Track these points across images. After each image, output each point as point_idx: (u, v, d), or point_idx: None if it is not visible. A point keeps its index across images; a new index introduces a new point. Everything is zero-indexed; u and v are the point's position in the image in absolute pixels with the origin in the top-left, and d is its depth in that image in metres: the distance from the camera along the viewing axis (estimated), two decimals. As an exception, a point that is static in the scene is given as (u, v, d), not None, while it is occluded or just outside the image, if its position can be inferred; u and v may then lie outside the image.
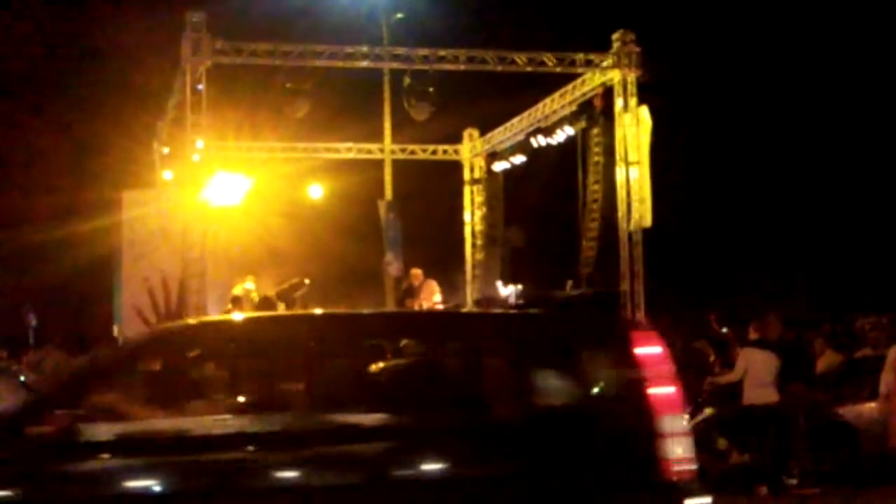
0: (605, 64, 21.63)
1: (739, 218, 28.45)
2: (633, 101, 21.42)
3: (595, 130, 23.07)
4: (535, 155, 24.87)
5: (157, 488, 6.38)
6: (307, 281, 22.31)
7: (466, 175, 28.94)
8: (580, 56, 21.78)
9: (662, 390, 6.95)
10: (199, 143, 20.23)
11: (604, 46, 21.67)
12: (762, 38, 28.33)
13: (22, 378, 14.61)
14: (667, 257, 23.67)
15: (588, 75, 22.21)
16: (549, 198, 26.16)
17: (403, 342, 7.73)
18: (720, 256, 28.11)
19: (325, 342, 7.17)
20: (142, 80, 26.10)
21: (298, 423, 6.59)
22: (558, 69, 21.97)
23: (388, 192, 27.97)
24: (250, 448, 6.47)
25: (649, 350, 6.97)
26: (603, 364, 7.15)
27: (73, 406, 6.67)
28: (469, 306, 24.84)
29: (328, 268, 25.27)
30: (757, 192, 28.92)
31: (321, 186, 27.22)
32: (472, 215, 28.92)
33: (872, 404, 13.32)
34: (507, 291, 23.54)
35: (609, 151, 22.38)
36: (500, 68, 21.61)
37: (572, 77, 22.68)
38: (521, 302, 19.38)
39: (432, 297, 22.84)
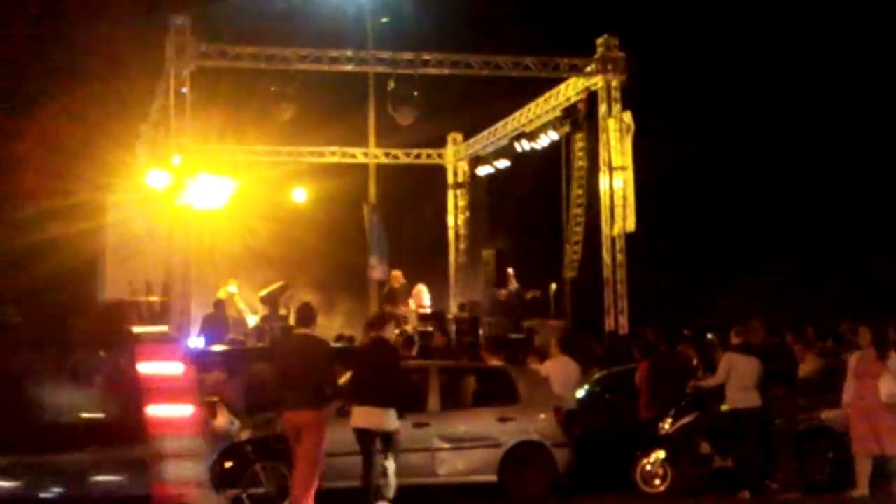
0: (588, 69, 21.71)
1: (723, 222, 28.51)
2: (616, 106, 21.51)
3: (579, 135, 23.14)
4: (518, 159, 24.93)
5: None
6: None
7: (450, 179, 28.99)
8: (564, 61, 21.87)
9: (168, 409, 6.38)
10: (183, 147, 20.22)
11: (588, 52, 21.74)
12: (746, 42, 28.41)
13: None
14: (650, 261, 23.73)
15: (572, 80, 22.29)
16: (532, 202, 26.17)
17: None
18: (703, 261, 28.16)
19: None
20: (125, 84, 25.99)
21: None
22: (542, 74, 22.05)
23: (372, 196, 27.93)
24: None
25: (159, 365, 6.44)
26: (100, 376, 6.67)
27: None
28: (453, 310, 24.88)
29: (312, 271, 25.21)
30: (741, 196, 28.99)
31: (305, 190, 27.19)
32: (456, 219, 28.97)
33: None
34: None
35: (593, 156, 22.44)
36: (484, 72, 21.68)
37: (556, 82, 22.75)
38: None
39: (421, 301, 22.88)
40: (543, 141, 23.61)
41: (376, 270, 25.32)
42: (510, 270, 23.06)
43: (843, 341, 16.03)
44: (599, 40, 21.56)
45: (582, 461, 13.33)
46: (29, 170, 27.40)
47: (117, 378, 6.53)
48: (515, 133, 24.79)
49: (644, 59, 22.42)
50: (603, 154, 21.69)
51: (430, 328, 21.34)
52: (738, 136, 28.82)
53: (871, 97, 28.12)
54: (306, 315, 11.53)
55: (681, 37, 28.10)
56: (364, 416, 11.67)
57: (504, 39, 23.68)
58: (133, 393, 6.34)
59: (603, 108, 21.66)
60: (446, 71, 21.61)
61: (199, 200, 21.75)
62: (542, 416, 13.46)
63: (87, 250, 24.17)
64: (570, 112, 22.85)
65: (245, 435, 12.20)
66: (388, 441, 11.73)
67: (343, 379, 12.20)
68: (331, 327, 22.01)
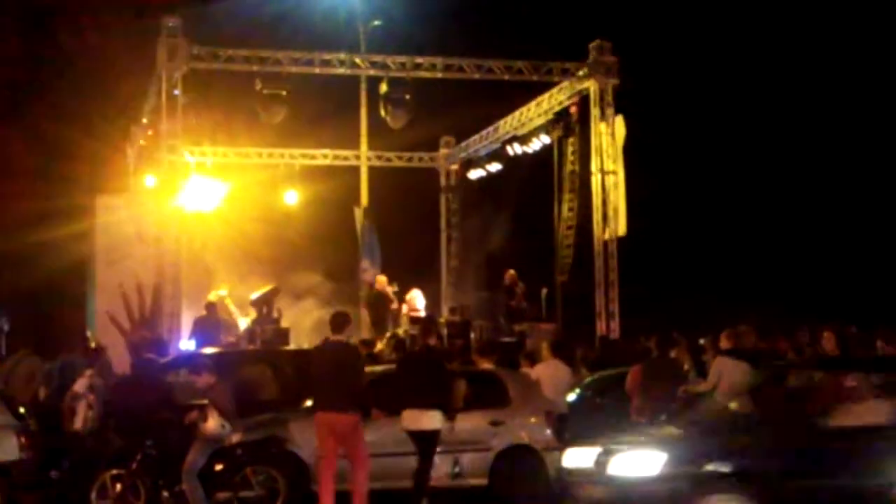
0: (581, 73, 21.73)
1: (715, 227, 28.54)
2: (608, 111, 21.53)
3: (571, 139, 23.13)
4: (510, 163, 24.92)
5: None
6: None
7: (442, 182, 28.98)
8: (556, 65, 21.88)
9: None
10: (175, 149, 20.18)
11: (580, 56, 21.75)
12: (738, 48, 28.47)
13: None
14: (642, 265, 23.73)
15: (564, 84, 22.30)
16: (524, 206, 26.18)
17: None
18: (695, 265, 28.19)
19: None
20: (117, 86, 25.97)
21: None
22: (535, 78, 22.06)
23: (364, 199, 27.95)
24: None
25: None
26: None
27: None
28: (445, 313, 24.84)
29: (304, 274, 25.16)
30: (732, 200, 29.03)
31: (297, 192, 27.15)
32: (448, 223, 28.95)
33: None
34: None
35: (584, 160, 22.45)
36: (476, 76, 21.69)
37: (549, 86, 22.75)
38: None
39: (415, 306, 22.85)
40: (535, 145, 23.61)
41: (368, 273, 25.32)
42: (511, 272, 22.97)
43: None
44: (592, 45, 21.57)
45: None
46: (19, 172, 27.34)
47: None
48: (507, 137, 24.78)
49: (636, 64, 22.45)
50: (594, 158, 21.70)
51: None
52: (729, 140, 28.87)
53: (864, 95, 28.19)
54: (340, 323, 12.07)
55: (673, 42, 28.15)
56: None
57: (497, 43, 23.71)
58: None
59: (595, 112, 21.67)
60: (439, 74, 21.61)
61: (191, 203, 21.72)
62: (533, 419, 13.45)
63: (77, 253, 24.13)
64: (562, 116, 22.85)
65: (236, 438, 12.16)
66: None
67: None
68: (323, 331, 21.96)
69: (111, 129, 26.61)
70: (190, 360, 14.72)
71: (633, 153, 21.75)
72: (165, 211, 20.04)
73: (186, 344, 19.51)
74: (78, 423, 13.01)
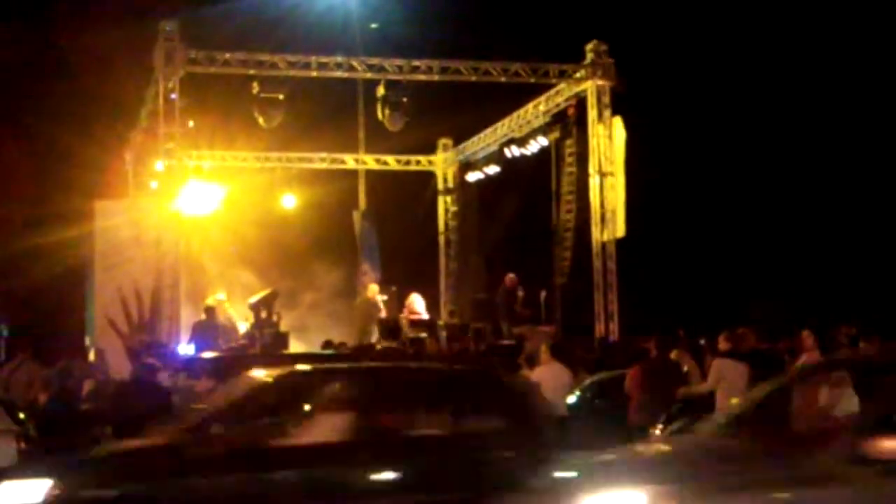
0: (578, 75, 21.74)
1: (714, 227, 28.54)
2: (606, 112, 21.54)
3: (569, 141, 23.13)
4: (508, 165, 24.92)
5: None
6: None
7: (440, 185, 28.97)
8: (554, 67, 21.88)
9: None
10: (172, 153, 20.17)
11: (577, 57, 21.76)
12: (737, 49, 28.47)
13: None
14: (641, 267, 23.73)
15: (562, 86, 22.31)
16: (522, 208, 26.18)
17: None
18: (694, 266, 28.19)
19: None
20: (114, 90, 25.94)
21: None
22: (532, 80, 22.07)
23: (362, 203, 27.96)
24: None
25: None
26: None
27: None
28: (443, 316, 24.85)
29: (302, 278, 25.17)
30: (732, 201, 29.03)
31: (295, 196, 27.14)
32: (446, 225, 28.95)
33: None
34: None
35: (582, 162, 22.45)
36: (474, 78, 21.68)
37: (546, 88, 22.76)
38: None
39: (414, 309, 22.87)
40: (533, 147, 23.62)
41: (367, 276, 25.33)
42: (511, 275, 22.98)
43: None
44: (589, 46, 21.58)
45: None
46: (17, 177, 27.33)
47: None
48: (505, 139, 24.79)
49: (633, 65, 22.45)
50: (592, 160, 21.70)
51: (422, 335, 21.31)
52: (728, 140, 28.87)
53: (862, 98, 28.20)
54: (390, 329, 11.98)
55: (671, 43, 28.14)
56: None
57: (494, 45, 23.69)
58: None
59: (592, 113, 21.68)
60: (436, 77, 21.60)
61: (189, 207, 21.70)
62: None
63: (76, 257, 24.09)
64: (559, 118, 22.86)
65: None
66: None
67: None
68: (321, 334, 21.97)
69: (109, 134, 26.59)
70: (189, 365, 14.72)
71: (631, 155, 21.75)
72: (164, 215, 20.02)
73: (185, 348, 19.50)
74: None
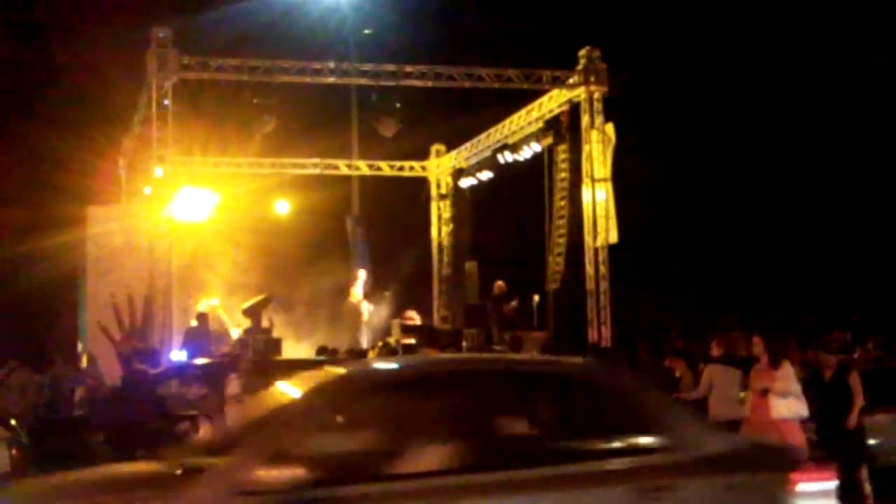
0: (571, 81, 21.74)
1: (708, 233, 28.59)
2: (599, 118, 21.54)
3: (562, 147, 23.13)
4: (502, 171, 24.93)
5: None
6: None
7: (433, 191, 28.97)
8: (547, 73, 21.89)
9: None
10: (165, 159, 20.15)
11: (570, 63, 21.78)
12: (729, 54, 28.54)
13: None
14: (633, 273, 23.75)
15: (555, 92, 22.32)
16: (515, 214, 26.21)
17: None
18: (687, 272, 28.24)
19: None
20: (107, 96, 25.93)
21: None
22: (525, 86, 22.06)
23: (356, 208, 27.96)
24: None
25: None
26: None
27: None
28: (437, 322, 24.87)
29: (295, 284, 25.17)
30: (725, 207, 29.10)
31: (288, 202, 27.14)
32: (440, 231, 28.96)
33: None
34: None
35: (576, 168, 22.46)
36: (467, 84, 21.68)
37: (539, 94, 22.77)
38: None
39: (408, 314, 22.97)
40: (526, 153, 23.63)
41: (360, 282, 25.32)
42: (500, 283, 23.02)
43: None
44: (582, 52, 21.60)
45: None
46: (9, 181, 27.29)
47: None
48: (498, 145, 24.80)
49: (627, 71, 22.48)
50: (585, 166, 21.71)
51: (413, 341, 21.33)
52: (721, 146, 28.94)
53: (852, 103, 28.30)
54: (431, 336, 12.08)
55: (663, 49, 28.21)
56: None
57: (487, 51, 23.72)
58: None
59: (585, 119, 21.69)
60: (429, 83, 21.59)
61: (182, 213, 21.69)
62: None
63: (68, 263, 24.07)
64: (552, 124, 22.86)
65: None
66: None
67: None
68: (314, 340, 21.98)
69: (102, 140, 26.56)
70: (181, 371, 14.72)
71: (625, 161, 21.77)
72: (156, 221, 20.00)
73: (178, 354, 19.48)
74: None
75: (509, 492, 6.65)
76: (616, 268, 21.44)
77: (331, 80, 21.61)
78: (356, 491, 6.52)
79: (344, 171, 28.09)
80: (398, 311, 24.04)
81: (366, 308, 24.31)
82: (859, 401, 12.44)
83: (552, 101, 22.59)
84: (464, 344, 21.56)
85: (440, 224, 28.95)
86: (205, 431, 11.81)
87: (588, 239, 21.55)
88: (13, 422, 13.08)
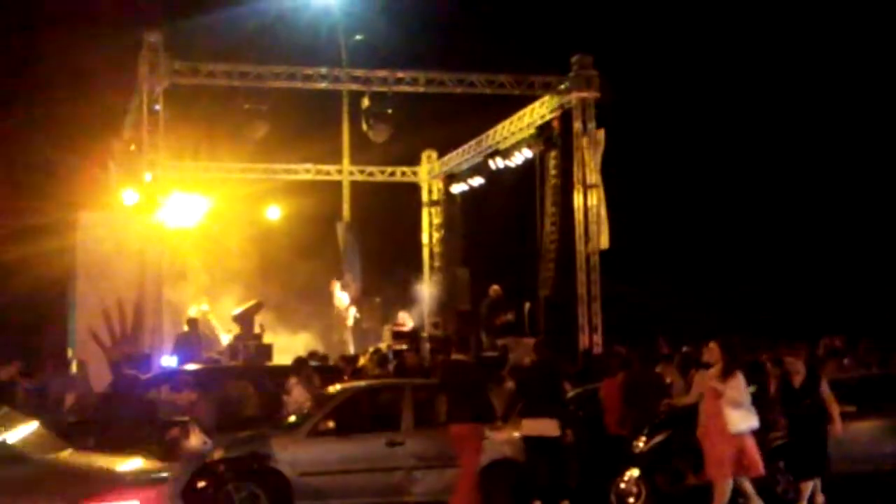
0: (562, 87, 21.77)
1: (698, 240, 28.63)
2: (591, 125, 21.57)
3: (553, 153, 23.16)
4: (493, 177, 24.94)
5: None
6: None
7: (424, 197, 28.98)
8: (538, 79, 21.93)
9: None
10: (156, 164, 20.12)
11: (562, 70, 21.80)
12: (719, 61, 28.61)
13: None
14: (624, 279, 23.76)
15: (546, 98, 22.34)
16: (507, 220, 26.20)
17: None
18: (678, 278, 28.25)
19: None
20: (98, 101, 25.89)
21: None
22: (516, 91, 22.10)
23: (347, 214, 27.92)
24: None
25: None
26: None
27: None
28: (428, 328, 24.84)
29: (286, 289, 25.12)
30: (716, 213, 29.13)
31: (279, 207, 27.13)
32: (430, 237, 28.95)
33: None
34: None
35: (567, 174, 22.48)
36: (458, 90, 21.70)
37: (530, 100, 22.80)
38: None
39: (400, 321, 22.98)
40: (517, 158, 23.64)
41: (350, 288, 25.30)
42: (496, 287, 23.00)
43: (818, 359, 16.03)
44: (573, 58, 21.63)
45: (556, 479, 13.29)
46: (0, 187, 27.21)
47: None
48: (490, 151, 24.81)
49: (617, 77, 22.52)
50: (577, 171, 21.73)
51: (404, 346, 21.32)
52: (712, 152, 28.98)
53: (842, 109, 28.38)
54: (463, 342, 13.50)
55: (654, 55, 28.26)
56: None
57: (478, 57, 23.74)
58: None
59: (577, 125, 21.71)
60: (420, 88, 21.61)
61: (173, 218, 21.65)
62: (517, 434, 13.42)
63: (58, 269, 23.96)
64: (543, 130, 22.89)
65: (218, 455, 12.11)
66: None
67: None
68: (304, 345, 21.94)
69: (93, 145, 26.50)
70: (171, 377, 14.67)
71: (616, 167, 21.79)
72: (147, 227, 19.96)
73: (168, 360, 19.43)
74: None
75: None
76: (607, 273, 21.46)
77: (322, 85, 21.62)
78: None
79: (335, 176, 28.08)
80: (389, 318, 24.02)
81: (351, 314, 24.32)
82: (836, 409, 12.32)
83: (543, 108, 22.61)
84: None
85: (431, 230, 28.95)
86: (195, 437, 11.76)
87: (579, 245, 21.56)
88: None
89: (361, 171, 28.03)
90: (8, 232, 25.66)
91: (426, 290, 28.49)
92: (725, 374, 11.70)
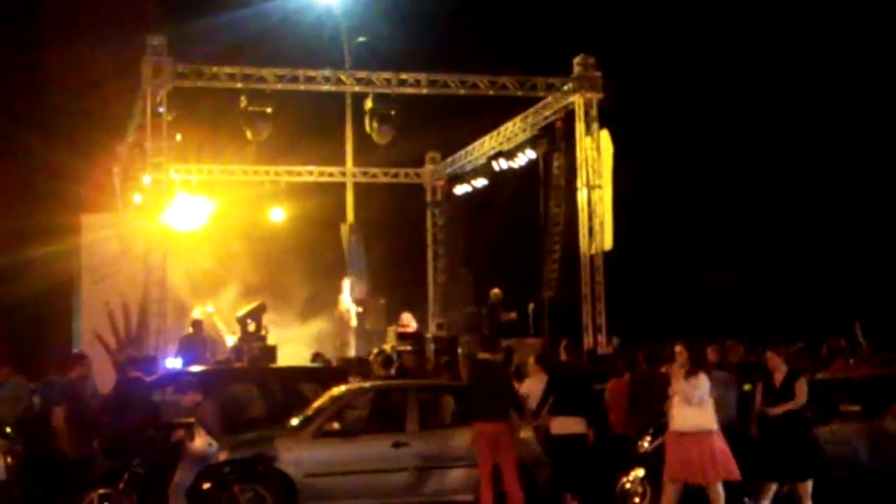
0: (566, 88, 21.77)
1: (702, 240, 28.61)
2: (594, 125, 21.58)
3: (556, 154, 23.16)
4: (496, 178, 24.92)
5: None
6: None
7: (428, 198, 28.97)
8: (541, 80, 21.92)
9: None
10: (160, 167, 20.14)
11: (565, 71, 21.80)
12: (722, 62, 28.60)
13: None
14: (628, 279, 23.76)
15: (549, 99, 22.34)
16: (510, 221, 26.20)
17: None
18: (682, 278, 28.25)
19: None
20: (102, 104, 25.93)
21: None
22: (520, 93, 22.08)
23: (350, 216, 27.94)
24: None
25: None
26: None
27: None
28: (432, 330, 24.85)
29: (290, 291, 25.14)
30: (719, 213, 29.12)
31: (283, 209, 27.13)
32: (434, 238, 28.94)
33: (833, 426, 13.40)
34: None
35: (570, 175, 22.48)
36: (462, 92, 21.69)
37: (534, 101, 22.80)
38: None
39: (405, 322, 22.97)
40: (521, 160, 23.62)
41: (354, 290, 25.32)
42: (496, 290, 23.02)
43: (819, 360, 16.04)
44: (576, 59, 21.62)
45: (561, 480, 13.30)
46: (4, 190, 27.26)
47: None
48: (493, 152, 24.80)
49: (621, 78, 22.51)
50: (580, 173, 21.74)
51: (408, 348, 21.33)
52: (714, 152, 28.96)
53: (842, 111, 28.37)
54: (490, 342, 13.91)
55: (657, 55, 28.24)
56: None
57: (481, 59, 23.74)
58: None
59: (580, 126, 21.72)
60: (424, 90, 21.61)
61: (177, 220, 21.67)
62: (522, 434, 13.43)
63: (63, 271, 24.01)
64: (547, 131, 22.88)
65: (223, 456, 12.12)
66: None
67: None
68: (309, 346, 21.94)
69: (97, 148, 26.54)
70: (176, 379, 14.68)
71: (619, 167, 21.78)
72: (151, 229, 19.98)
73: (173, 362, 19.44)
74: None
75: None
76: (611, 274, 21.46)
77: (326, 87, 21.62)
78: None
79: (339, 178, 28.09)
80: (393, 319, 24.02)
81: (354, 315, 24.33)
82: (798, 401, 12.23)
83: (547, 109, 22.61)
84: (459, 351, 21.57)
85: (435, 231, 28.94)
86: (200, 439, 11.77)
87: (583, 245, 21.56)
88: (8, 430, 13.05)
89: (365, 173, 28.04)
90: (13, 234, 25.72)
91: (430, 291, 28.52)
92: (689, 375, 11.85)
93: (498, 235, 26.57)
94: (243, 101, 21.18)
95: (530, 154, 23.38)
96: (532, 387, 14.59)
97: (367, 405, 13.81)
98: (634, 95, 25.47)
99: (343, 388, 14.21)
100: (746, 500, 12.79)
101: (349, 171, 27.86)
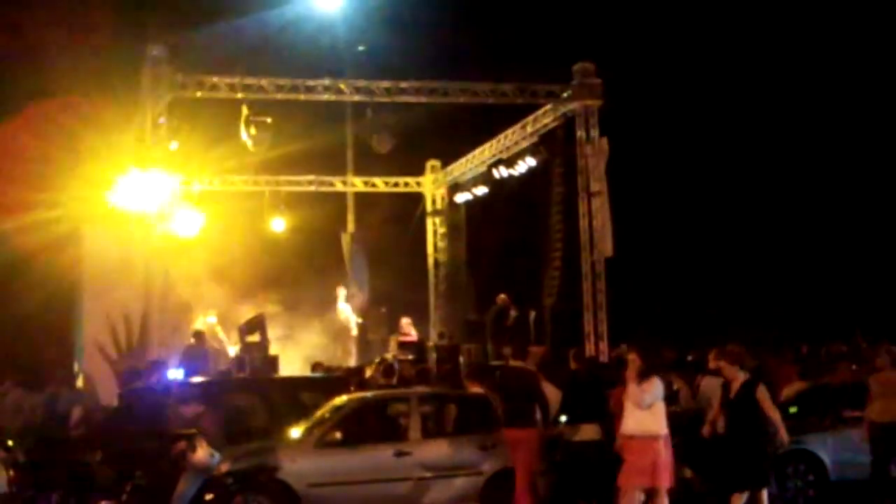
0: (565, 95, 21.79)
1: (703, 246, 28.61)
2: (594, 132, 21.59)
3: (556, 161, 23.16)
4: (497, 186, 24.93)
5: None
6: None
7: (429, 206, 28.98)
8: (541, 87, 21.94)
9: None
10: (160, 177, 20.15)
11: (565, 78, 21.82)
12: (723, 70, 28.63)
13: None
14: (629, 286, 23.75)
15: (549, 106, 22.36)
16: (511, 229, 26.19)
17: None
18: (683, 285, 28.24)
19: None
20: (101, 113, 25.91)
21: None
22: (520, 100, 22.11)
23: (351, 225, 27.96)
24: None
25: None
26: None
27: None
28: (433, 338, 24.85)
29: (291, 301, 25.12)
30: (720, 220, 29.13)
31: (283, 219, 27.12)
32: (435, 247, 28.95)
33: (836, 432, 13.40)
34: None
35: (571, 182, 22.48)
36: (461, 100, 21.72)
37: (534, 108, 22.81)
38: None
39: (409, 332, 22.97)
40: (521, 167, 23.62)
41: (356, 299, 25.32)
42: (503, 296, 23.03)
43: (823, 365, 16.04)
44: (576, 67, 21.64)
45: (563, 487, 13.29)
46: (3, 198, 27.24)
47: None
48: (493, 160, 24.81)
49: (620, 85, 22.53)
50: (580, 180, 21.75)
51: (410, 357, 21.32)
52: (715, 160, 28.98)
53: (844, 116, 28.39)
54: (521, 349, 13.87)
55: (657, 62, 28.27)
56: None
57: (481, 67, 23.75)
58: None
59: (580, 134, 21.74)
60: (423, 99, 21.63)
61: (177, 230, 21.67)
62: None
63: (64, 282, 24.01)
64: (547, 138, 22.90)
65: (225, 467, 12.10)
66: None
67: None
68: (310, 356, 21.94)
69: (97, 158, 26.52)
70: (178, 390, 14.67)
71: (619, 175, 21.80)
72: (152, 239, 19.98)
73: (175, 373, 19.43)
74: None
75: None
76: (613, 281, 21.45)
77: (326, 97, 21.65)
78: None
79: (339, 187, 28.11)
80: (394, 328, 24.02)
81: (353, 324, 24.32)
82: (776, 415, 12.09)
83: (547, 116, 22.63)
84: (461, 359, 21.55)
85: (435, 239, 28.95)
86: (202, 450, 11.76)
87: (584, 253, 21.56)
88: (10, 442, 13.03)
89: (365, 182, 28.05)
90: (12, 245, 25.70)
91: (431, 299, 28.51)
92: (641, 379, 11.91)
93: (499, 243, 26.57)
94: (243, 111, 21.19)
95: (530, 161, 23.38)
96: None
97: (368, 414, 13.81)
98: (634, 102, 25.49)
99: (345, 397, 14.21)
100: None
101: (350, 181, 27.87)
